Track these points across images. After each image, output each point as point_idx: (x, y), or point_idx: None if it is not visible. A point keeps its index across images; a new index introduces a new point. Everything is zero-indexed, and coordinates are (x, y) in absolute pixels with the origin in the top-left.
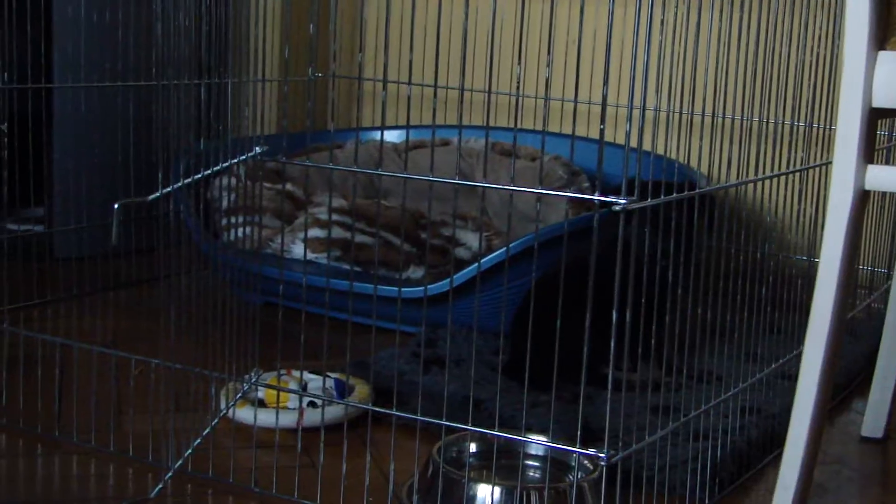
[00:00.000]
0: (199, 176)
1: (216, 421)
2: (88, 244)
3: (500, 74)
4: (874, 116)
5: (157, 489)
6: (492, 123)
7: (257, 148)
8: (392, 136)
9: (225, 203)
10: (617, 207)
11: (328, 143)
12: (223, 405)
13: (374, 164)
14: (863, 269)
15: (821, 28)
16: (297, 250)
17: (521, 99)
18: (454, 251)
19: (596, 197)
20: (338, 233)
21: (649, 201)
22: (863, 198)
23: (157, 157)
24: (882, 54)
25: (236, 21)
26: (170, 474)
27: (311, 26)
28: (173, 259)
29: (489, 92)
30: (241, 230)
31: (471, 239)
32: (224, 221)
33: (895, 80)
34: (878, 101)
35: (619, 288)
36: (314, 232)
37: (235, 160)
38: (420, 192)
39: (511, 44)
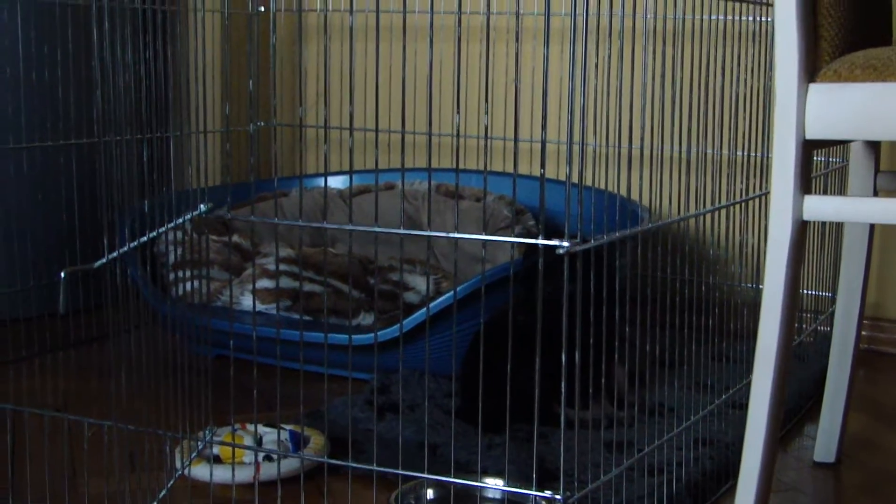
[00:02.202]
0: (145, 239)
1: (172, 481)
2: (35, 305)
3: (441, 116)
4: (808, 148)
5: None
6: (435, 165)
7: (202, 205)
8: (337, 182)
9: (172, 257)
10: (560, 251)
11: (273, 191)
12: (178, 464)
13: (319, 210)
14: (807, 293)
15: (753, 59)
16: (247, 302)
17: (462, 139)
18: (403, 296)
19: (539, 241)
20: (287, 282)
21: (592, 243)
22: (802, 228)
23: (101, 219)
24: (813, 87)
25: (175, 75)
26: None
27: (251, 77)
28: (121, 316)
29: (430, 134)
30: (189, 284)
31: (419, 283)
32: (172, 276)
33: (827, 112)
34: (812, 134)
35: (567, 328)
36: (263, 283)
37: (181, 219)
38: (368, 238)
39: (451, 85)
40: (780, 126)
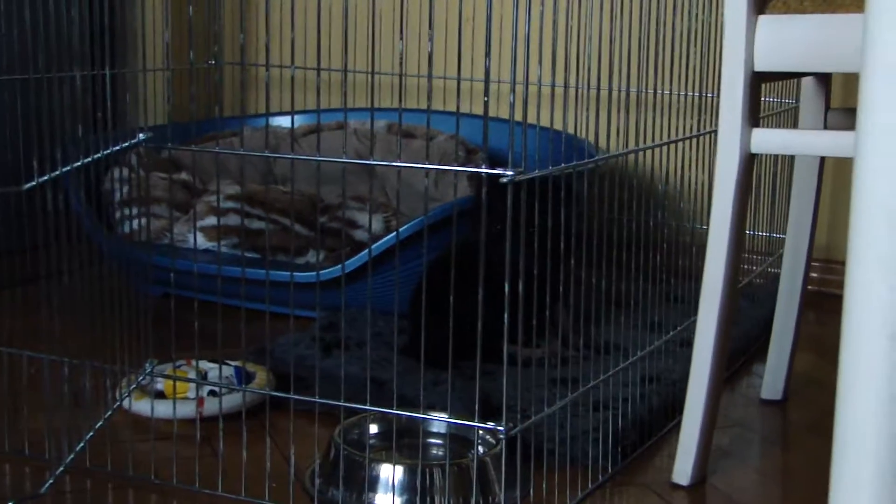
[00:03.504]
0: (78, 164)
1: (109, 413)
2: None
3: (392, 54)
4: (757, 80)
5: (48, 484)
6: (382, 104)
7: (141, 135)
8: (287, 122)
9: (118, 195)
10: (504, 179)
11: (222, 131)
12: (119, 398)
13: (268, 150)
14: (760, 234)
15: None
16: (193, 239)
17: (404, 78)
18: (352, 233)
19: (482, 170)
20: (233, 220)
21: (536, 172)
22: (749, 162)
23: (36, 148)
24: (762, 18)
25: (119, 9)
26: (60, 468)
27: (191, 10)
28: (63, 253)
29: (372, 73)
30: (135, 221)
31: (369, 221)
32: (121, 213)
33: (776, 44)
34: (760, 66)
35: (510, 262)
36: (208, 220)
37: (118, 147)
38: (316, 176)
39: (392, 22)
40: (728, 58)
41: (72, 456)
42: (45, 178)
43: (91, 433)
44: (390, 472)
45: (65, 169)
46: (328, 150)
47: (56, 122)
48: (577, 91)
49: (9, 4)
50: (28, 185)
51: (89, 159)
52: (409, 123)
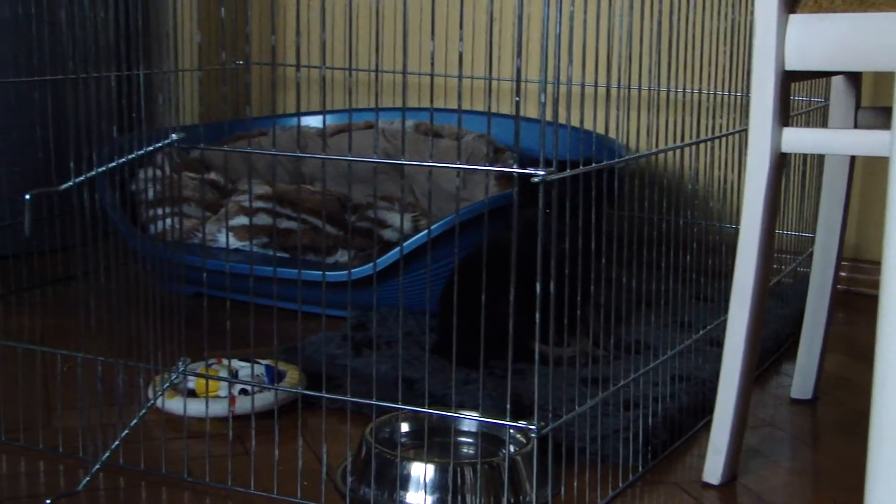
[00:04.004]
0: (114, 164)
1: (143, 412)
2: (11, 243)
3: (420, 54)
4: (787, 79)
5: (84, 482)
6: (412, 104)
7: (174, 135)
8: (317, 122)
9: (148, 195)
10: (536, 179)
11: (249, 131)
12: (152, 396)
13: (297, 150)
14: (789, 234)
15: None
16: (223, 239)
17: (437, 79)
18: (381, 233)
19: (514, 169)
20: (263, 220)
21: (568, 172)
22: (780, 161)
23: (71, 150)
24: (793, 17)
25: (150, 11)
26: (97, 466)
27: (223, 11)
28: (96, 253)
29: (406, 73)
30: (164, 221)
31: (397, 220)
32: (148, 213)
33: (807, 43)
34: (791, 65)
35: (542, 261)
36: (238, 220)
37: (151, 147)
38: (346, 176)
39: (427, 22)
40: (759, 57)
41: (107, 454)
42: (82, 178)
43: (126, 431)
44: (422, 471)
45: (100, 169)
46: (356, 149)
47: (92, 123)
48: (607, 90)
49: (39, 8)
50: (65, 185)
51: (124, 160)
52: (436, 123)
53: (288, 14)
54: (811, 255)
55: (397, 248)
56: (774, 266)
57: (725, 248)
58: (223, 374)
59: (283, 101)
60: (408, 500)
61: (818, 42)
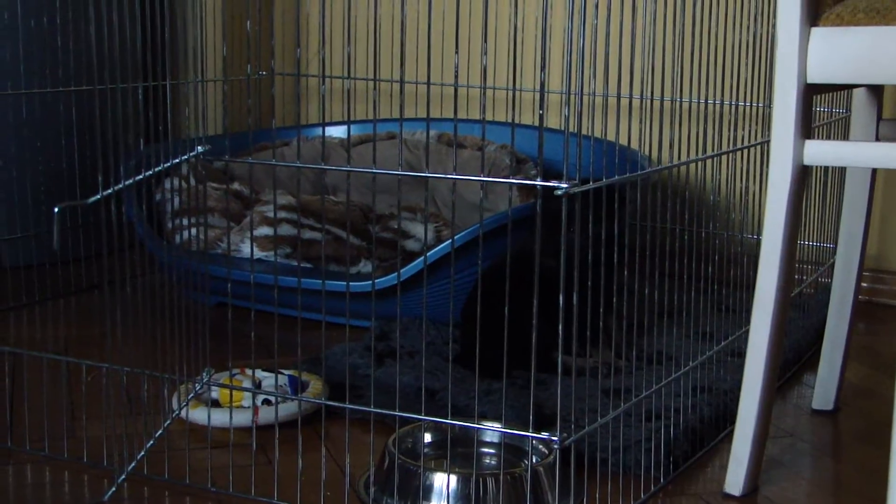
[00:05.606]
0: (140, 177)
1: (168, 422)
2: (36, 252)
3: (442, 65)
4: (809, 92)
5: (110, 492)
6: (436, 114)
7: (199, 147)
8: (339, 132)
9: (172, 206)
10: (559, 192)
11: (273, 141)
12: (176, 407)
13: (320, 160)
14: (810, 244)
15: (756, 6)
16: (247, 249)
17: (460, 89)
18: (403, 244)
19: (538, 182)
20: (286, 230)
21: (591, 184)
22: (802, 173)
23: (97, 162)
24: (815, 30)
25: (176, 23)
26: (122, 476)
27: (249, 23)
28: (120, 263)
29: (430, 83)
30: (189, 232)
31: (420, 231)
32: (173, 223)
33: (829, 56)
34: (813, 77)
35: (565, 272)
36: (262, 230)
37: (177, 159)
38: (369, 187)
39: (451, 33)
40: (781, 70)
41: (133, 464)
42: (110, 190)
43: (152, 442)
44: (444, 482)
45: (128, 182)
46: (378, 160)
47: (119, 134)
48: (630, 102)
49: (65, 20)
50: (93, 199)
51: (150, 172)
52: (453, 133)
53: (311, 25)
54: (832, 265)
55: (420, 259)
56: (796, 277)
57: (747, 258)
58: (247, 384)
59: (306, 111)
60: None
61: (840, 55)
